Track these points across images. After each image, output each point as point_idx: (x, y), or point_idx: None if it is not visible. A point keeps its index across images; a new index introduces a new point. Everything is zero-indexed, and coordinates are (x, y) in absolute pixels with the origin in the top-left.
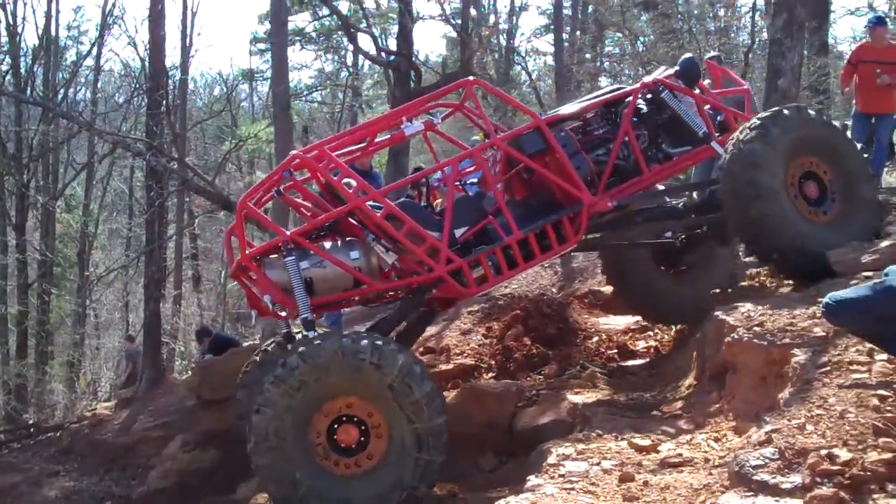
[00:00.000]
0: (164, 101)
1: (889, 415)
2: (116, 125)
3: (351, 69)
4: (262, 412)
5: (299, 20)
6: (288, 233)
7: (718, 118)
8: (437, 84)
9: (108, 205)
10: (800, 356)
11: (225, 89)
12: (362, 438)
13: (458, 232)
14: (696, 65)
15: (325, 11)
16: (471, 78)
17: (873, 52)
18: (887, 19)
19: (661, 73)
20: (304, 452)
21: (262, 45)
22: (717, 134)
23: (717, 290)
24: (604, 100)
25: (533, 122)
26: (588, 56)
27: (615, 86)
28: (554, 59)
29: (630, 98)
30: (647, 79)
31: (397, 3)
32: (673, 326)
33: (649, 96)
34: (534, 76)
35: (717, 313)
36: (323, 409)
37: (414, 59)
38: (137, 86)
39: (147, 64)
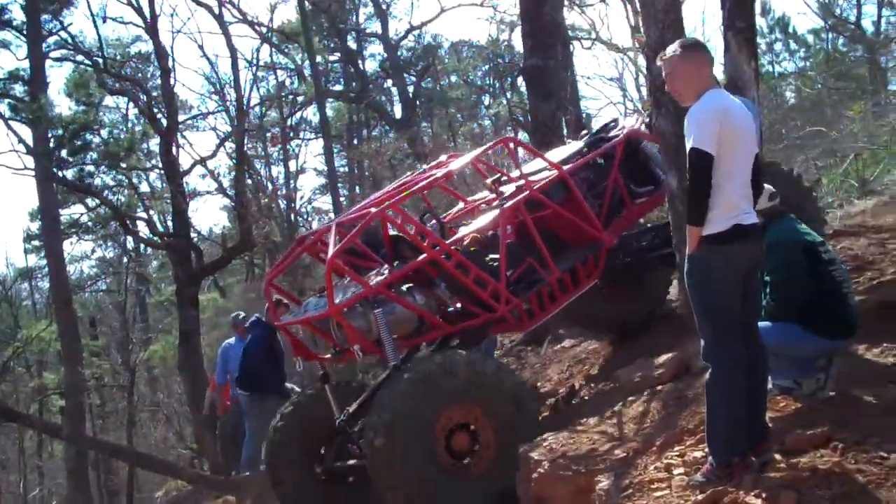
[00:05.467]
0: None
1: None
2: None
3: (132, 254)
4: (392, 409)
5: (72, 212)
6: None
7: None
8: (221, 258)
9: None
10: (604, 482)
11: (2, 291)
12: (475, 446)
13: (507, 274)
14: None
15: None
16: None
17: None
18: None
19: (631, 123)
20: (429, 454)
21: (36, 242)
22: None
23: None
24: (600, 152)
25: (559, 174)
26: None
27: (598, 136)
28: (334, 216)
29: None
30: (626, 130)
31: (169, 185)
32: None
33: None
34: None
35: (521, 450)
36: (443, 416)
37: (195, 235)
38: None
39: None
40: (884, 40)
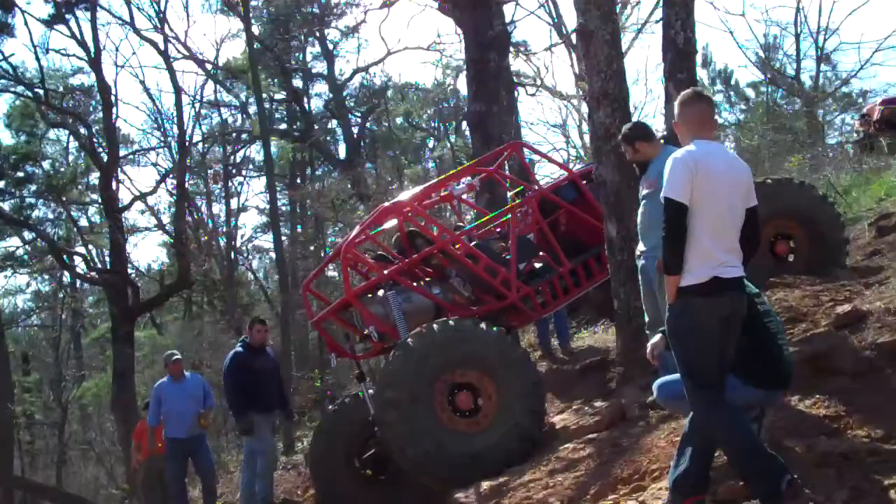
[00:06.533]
0: None
1: None
2: None
3: (68, 289)
4: (401, 359)
5: (8, 244)
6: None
7: None
8: (158, 296)
9: None
10: None
11: None
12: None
13: (520, 266)
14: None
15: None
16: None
17: None
18: None
19: None
20: (432, 411)
21: None
22: None
23: None
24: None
25: (568, 176)
26: (312, 248)
27: None
28: (275, 255)
29: None
30: None
31: (108, 220)
32: None
33: None
34: (259, 274)
35: (456, 496)
36: (443, 377)
37: (133, 271)
38: None
39: None
40: (821, 94)
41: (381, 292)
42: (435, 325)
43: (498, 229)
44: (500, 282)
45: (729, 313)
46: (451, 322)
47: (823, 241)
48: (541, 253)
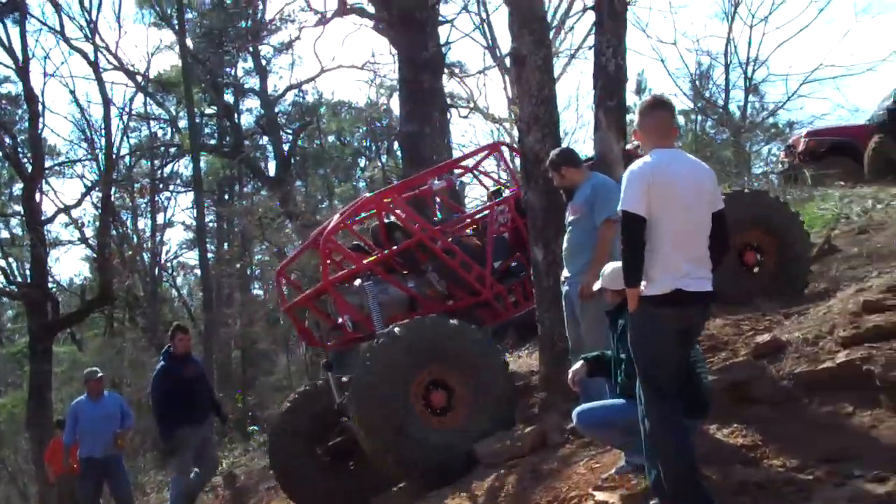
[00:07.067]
0: None
1: None
2: None
3: None
4: (382, 345)
5: None
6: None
7: None
8: (79, 311)
9: None
10: None
11: None
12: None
13: (494, 265)
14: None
15: None
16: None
17: None
18: None
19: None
20: (407, 408)
21: None
22: None
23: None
24: None
25: None
26: (238, 266)
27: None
28: (200, 272)
29: None
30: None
31: (30, 232)
32: None
33: None
34: (183, 291)
35: None
36: (417, 374)
37: (54, 286)
38: None
39: None
40: (749, 125)
41: (357, 282)
42: (453, 321)
43: (474, 226)
44: (475, 278)
45: (688, 326)
46: (472, 326)
47: (790, 254)
48: (517, 253)
